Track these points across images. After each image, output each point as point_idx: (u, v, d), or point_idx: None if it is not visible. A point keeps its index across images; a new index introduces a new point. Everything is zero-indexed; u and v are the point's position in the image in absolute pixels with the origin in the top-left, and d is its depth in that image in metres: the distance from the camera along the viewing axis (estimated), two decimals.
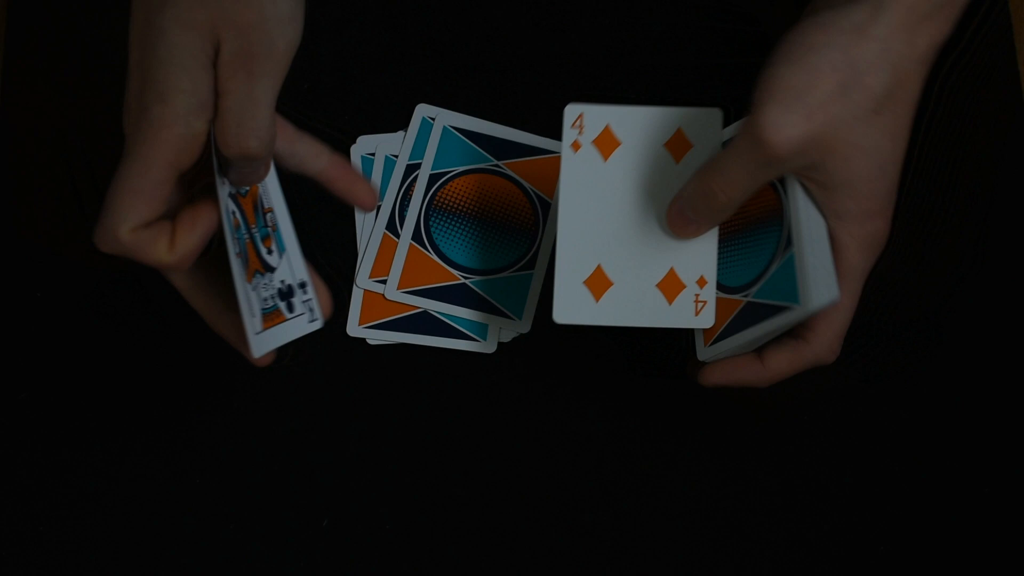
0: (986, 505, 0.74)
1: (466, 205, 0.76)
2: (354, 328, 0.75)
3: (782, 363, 0.66)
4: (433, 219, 0.76)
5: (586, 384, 0.75)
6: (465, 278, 0.75)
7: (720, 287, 0.67)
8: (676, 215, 0.65)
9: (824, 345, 0.66)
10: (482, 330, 0.74)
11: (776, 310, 0.63)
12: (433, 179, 0.76)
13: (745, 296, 0.66)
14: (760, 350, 0.67)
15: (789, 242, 0.63)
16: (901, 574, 0.73)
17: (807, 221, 0.62)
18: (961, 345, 0.76)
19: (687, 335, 0.73)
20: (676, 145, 0.66)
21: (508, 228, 0.76)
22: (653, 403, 0.75)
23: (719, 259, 0.67)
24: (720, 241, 0.67)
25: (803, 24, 0.61)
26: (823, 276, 0.62)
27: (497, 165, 0.76)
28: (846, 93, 0.60)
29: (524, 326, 0.74)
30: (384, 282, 0.75)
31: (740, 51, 0.79)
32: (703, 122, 0.66)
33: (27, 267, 0.76)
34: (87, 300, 0.75)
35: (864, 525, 0.73)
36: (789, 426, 0.75)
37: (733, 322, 0.66)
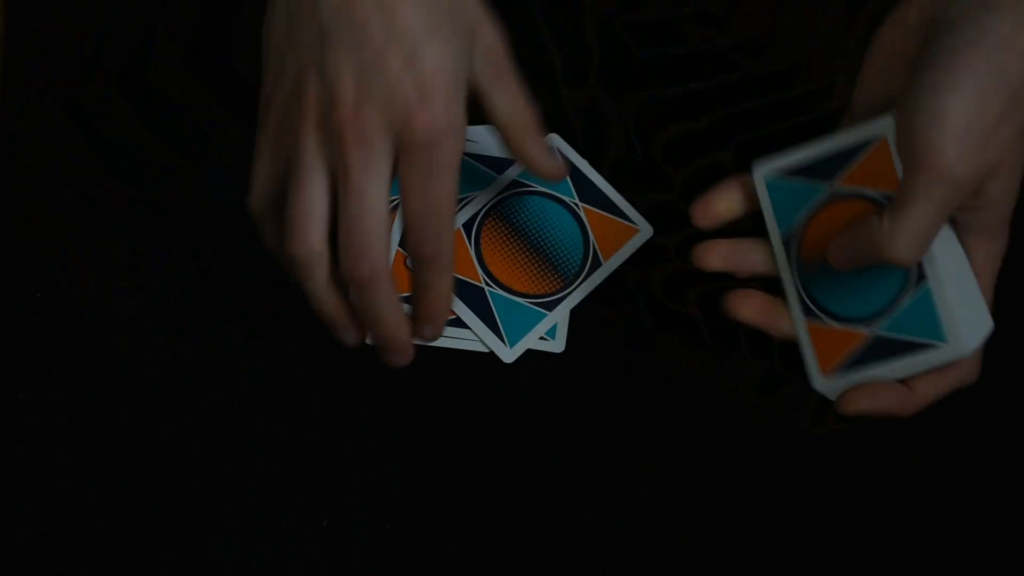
0: (986, 505, 0.74)
1: (525, 223, 0.75)
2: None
3: (930, 388, 0.64)
4: (488, 219, 0.75)
5: (586, 384, 0.75)
6: (487, 285, 0.74)
7: (826, 313, 0.65)
8: (843, 262, 0.62)
9: (971, 364, 0.64)
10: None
11: (916, 347, 0.61)
12: (511, 185, 0.75)
13: (868, 329, 0.63)
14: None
15: (922, 275, 0.61)
16: (901, 574, 0.73)
17: (944, 252, 0.61)
18: None
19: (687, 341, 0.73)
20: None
21: (550, 263, 0.75)
22: (653, 403, 0.75)
23: (824, 282, 0.64)
24: (823, 262, 0.64)
25: (951, 42, 0.58)
26: (972, 311, 0.61)
27: (576, 203, 0.75)
28: (1010, 114, 0.58)
29: (508, 356, 0.74)
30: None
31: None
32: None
33: (27, 267, 0.76)
34: (87, 300, 0.75)
35: (864, 525, 0.73)
36: (789, 426, 0.75)
37: (862, 355, 0.64)
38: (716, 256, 0.67)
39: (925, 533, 0.73)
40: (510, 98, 0.63)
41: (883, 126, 0.61)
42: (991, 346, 0.76)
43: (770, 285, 0.67)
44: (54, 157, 0.77)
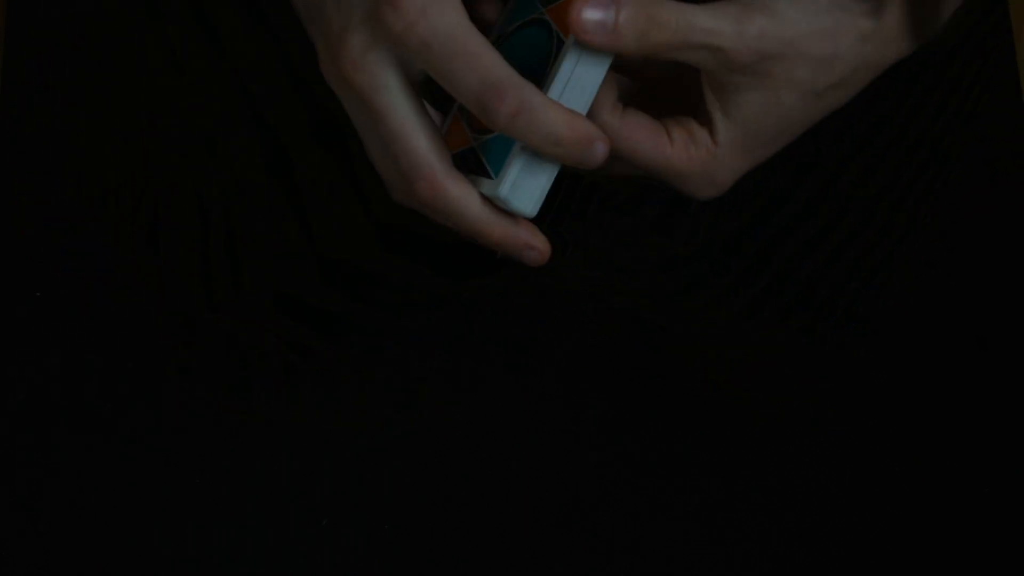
0: (986, 505, 0.74)
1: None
2: None
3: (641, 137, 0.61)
4: None
5: (586, 384, 0.75)
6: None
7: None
8: (590, 6, 0.57)
9: (686, 161, 0.62)
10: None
11: (482, 177, 0.60)
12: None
13: (475, 139, 0.62)
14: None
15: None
16: (901, 574, 0.73)
17: (570, 80, 0.59)
18: (961, 345, 0.76)
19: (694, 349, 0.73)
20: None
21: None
22: (653, 403, 0.75)
23: None
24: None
25: None
26: (529, 181, 0.58)
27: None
28: (820, 66, 0.60)
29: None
30: None
31: None
32: None
33: (27, 267, 0.76)
34: (87, 300, 0.75)
35: (864, 525, 0.73)
36: (789, 426, 0.75)
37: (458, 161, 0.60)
38: None
39: (925, 533, 0.73)
40: None
41: None
42: (991, 346, 0.76)
43: None
44: (54, 156, 0.77)
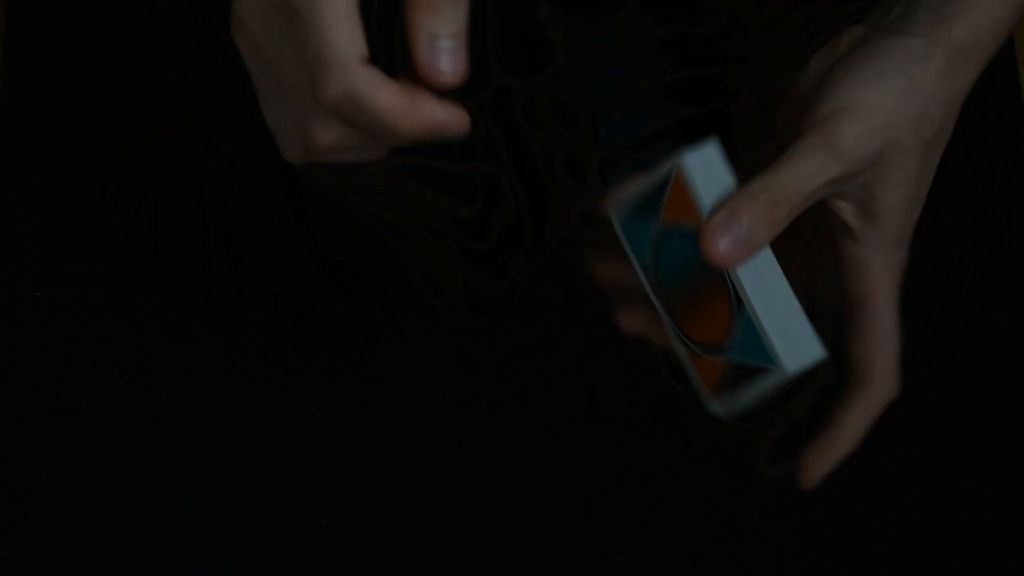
0: (986, 505, 0.74)
1: None
2: None
3: (858, 421, 0.65)
4: None
5: (587, 385, 0.75)
6: None
7: (691, 341, 0.65)
8: (718, 238, 0.58)
9: (887, 380, 0.64)
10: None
11: (761, 371, 0.62)
12: None
13: (723, 356, 0.63)
14: (829, 417, 0.65)
15: (739, 301, 0.61)
16: (901, 574, 0.73)
17: (754, 277, 0.60)
18: (961, 345, 0.76)
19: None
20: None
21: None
22: (653, 403, 0.75)
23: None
24: None
25: (863, 50, 0.60)
26: (797, 334, 0.61)
27: None
28: (916, 127, 0.60)
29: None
30: None
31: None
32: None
33: (27, 267, 0.76)
34: (87, 300, 0.75)
35: (864, 525, 0.73)
36: (789, 426, 0.75)
37: (731, 379, 0.64)
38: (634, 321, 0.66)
39: (925, 533, 0.73)
40: None
41: (675, 158, 0.61)
42: (992, 346, 0.76)
43: None
44: (54, 155, 0.77)
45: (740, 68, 0.76)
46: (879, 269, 0.63)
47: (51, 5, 0.80)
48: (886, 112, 0.59)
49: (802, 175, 0.58)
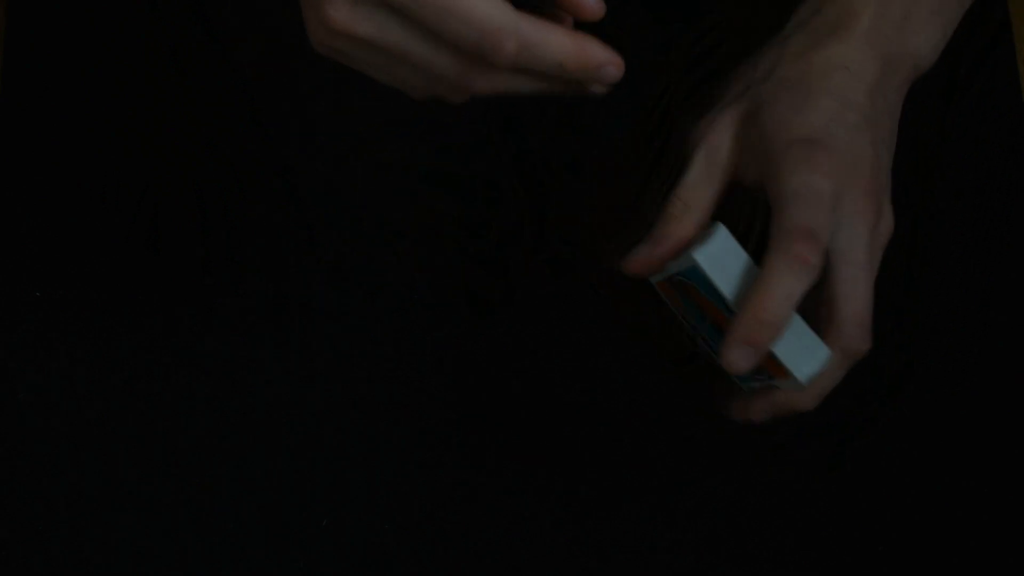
0: (986, 505, 0.74)
1: None
2: None
3: (822, 378, 0.65)
4: None
5: (587, 385, 0.75)
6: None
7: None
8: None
9: (855, 332, 0.64)
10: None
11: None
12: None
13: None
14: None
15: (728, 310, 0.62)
16: (901, 574, 0.73)
17: (731, 282, 0.61)
18: (961, 345, 0.76)
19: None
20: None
21: None
22: (653, 403, 0.75)
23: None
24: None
25: (789, 66, 0.63)
26: (802, 343, 0.61)
27: None
28: (843, 114, 0.62)
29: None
30: None
31: None
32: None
33: (27, 267, 0.76)
34: (87, 300, 0.75)
35: (864, 525, 0.73)
36: (789, 426, 0.75)
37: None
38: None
39: (924, 533, 0.73)
40: None
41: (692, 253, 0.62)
42: (992, 346, 0.76)
43: None
44: (54, 155, 0.77)
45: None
46: (849, 240, 0.63)
47: (51, 5, 0.80)
48: (824, 137, 0.61)
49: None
